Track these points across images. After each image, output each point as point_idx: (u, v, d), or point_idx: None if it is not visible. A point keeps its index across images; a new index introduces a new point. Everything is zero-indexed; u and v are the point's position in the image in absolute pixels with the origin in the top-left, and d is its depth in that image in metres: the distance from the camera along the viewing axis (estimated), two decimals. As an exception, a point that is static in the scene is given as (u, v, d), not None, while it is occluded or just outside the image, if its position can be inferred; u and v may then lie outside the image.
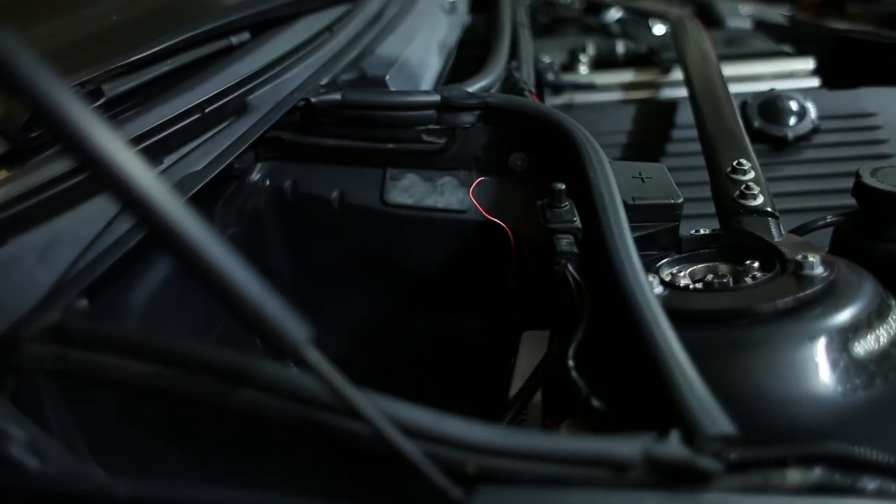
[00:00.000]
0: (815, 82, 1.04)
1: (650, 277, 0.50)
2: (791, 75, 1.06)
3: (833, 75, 1.05)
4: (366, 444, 0.32)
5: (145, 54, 0.62)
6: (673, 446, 0.33)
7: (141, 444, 0.40)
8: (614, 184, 0.55)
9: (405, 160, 0.70)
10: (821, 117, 0.86)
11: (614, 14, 1.38)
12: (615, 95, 1.08)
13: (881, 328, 0.42)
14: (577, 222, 0.56)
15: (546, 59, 1.12)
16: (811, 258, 0.45)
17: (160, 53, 0.63)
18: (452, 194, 0.68)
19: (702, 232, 0.57)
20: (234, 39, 0.75)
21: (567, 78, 1.09)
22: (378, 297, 0.76)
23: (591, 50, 1.18)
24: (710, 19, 1.31)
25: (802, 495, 0.33)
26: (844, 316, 0.42)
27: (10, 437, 0.33)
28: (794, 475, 0.33)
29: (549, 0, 1.43)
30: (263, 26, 0.80)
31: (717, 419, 0.34)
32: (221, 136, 0.63)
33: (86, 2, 0.68)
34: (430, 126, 0.69)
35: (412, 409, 0.33)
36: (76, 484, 0.32)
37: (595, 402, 0.44)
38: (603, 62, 1.19)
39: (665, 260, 0.53)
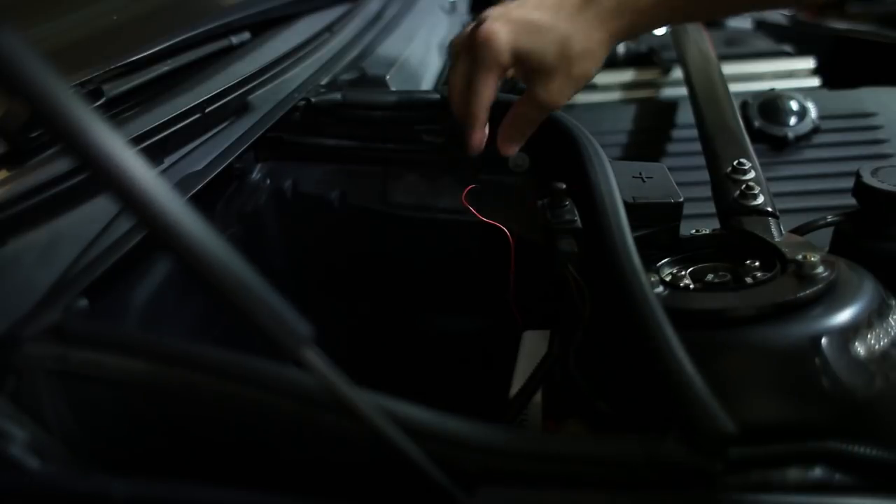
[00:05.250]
0: (815, 82, 1.04)
1: (650, 277, 0.50)
2: (791, 75, 1.06)
3: (833, 75, 1.05)
4: (366, 444, 0.32)
5: (145, 54, 0.62)
6: (673, 446, 0.33)
7: (141, 443, 0.40)
8: (614, 184, 0.55)
9: (405, 160, 0.70)
10: (821, 117, 0.86)
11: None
12: (615, 95, 1.08)
13: (881, 328, 0.42)
14: (578, 222, 0.56)
15: (546, 59, 1.11)
16: (811, 258, 0.45)
17: (160, 53, 0.63)
18: (452, 194, 0.68)
19: (702, 232, 0.57)
20: (234, 39, 0.75)
21: (567, 78, 1.09)
22: (378, 296, 0.76)
23: (591, 50, 1.18)
24: (710, 19, 1.31)
25: (803, 494, 0.33)
26: (845, 316, 0.42)
27: (10, 437, 0.33)
28: (795, 474, 0.33)
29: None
30: (263, 26, 0.80)
31: (717, 419, 0.34)
32: (221, 136, 0.63)
33: (86, 2, 0.68)
34: (431, 126, 0.69)
35: (412, 408, 0.33)
36: (76, 484, 0.32)
37: (596, 403, 0.44)
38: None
39: (665, 260, 0.53)
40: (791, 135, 0.84)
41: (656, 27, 0.55)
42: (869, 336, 0.41)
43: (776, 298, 0.43)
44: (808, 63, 1.06)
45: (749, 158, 0.63)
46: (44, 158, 0.48)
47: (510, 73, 0.59)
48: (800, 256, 0.45)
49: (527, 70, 0.56)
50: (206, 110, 0.62)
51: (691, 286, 0.49)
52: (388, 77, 0.76)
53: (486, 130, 0.60)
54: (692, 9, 0.54)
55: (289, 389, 0.34)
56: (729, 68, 0.97)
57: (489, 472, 0.32)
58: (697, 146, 0.73)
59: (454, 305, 0.74)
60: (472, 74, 0.56)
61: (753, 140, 0.70)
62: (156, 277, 0.53)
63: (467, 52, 0.57)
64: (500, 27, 0.54)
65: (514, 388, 0.52)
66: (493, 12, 0.57)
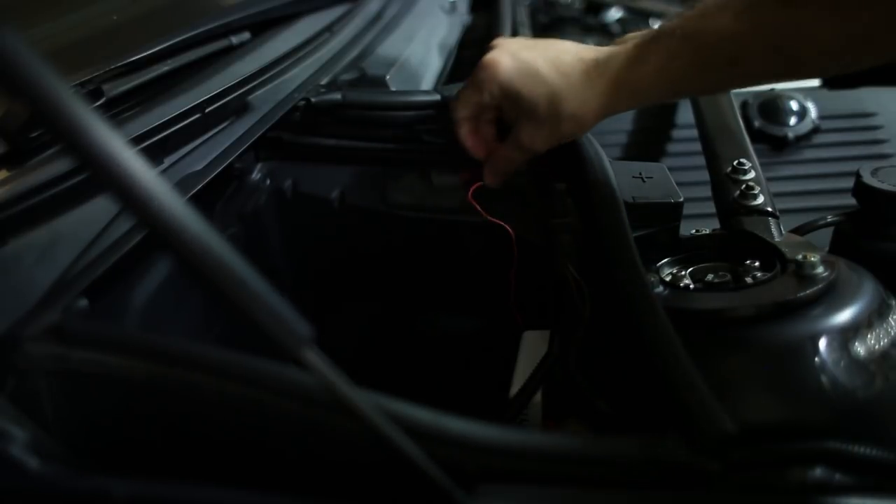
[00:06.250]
0: (815, 82, 1.04)
1: (650, 277, 0.50)
2: (791, 75, 1.06)
3: (833, 75, 1.05)
4: (366, 444, 0.32)
5: (145, 54, 0.62)
6: (673, 446, 0.33)
7: (141, 444, 0.40)
8: (614, 184, 0.55)
9: (405, 160, 0.70)
10: (821, 117, 0.86)
11: (614, 14, 1.38)
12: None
13: (881, 328, 0.42)
14: (577, 222, 0.56)
15: (546, 59, 1.11)
16: (812, 258, 0.45)
17: (160, 53, 0.63)
18: (452, 194, 0.68)
19: (702, 232, 0.57)
20: (234, 39, 0.75)
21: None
22: (378, 297, 0.76)
23: (591, 50, 1.18)
24: (710, 19, 1.31)
25: (803, 494, 0.33)
26: (845, 316, 0.42)
27: (10, 437, 0.33)
28: (795, 474, 0.33)
29: (549, 0, 1.43)
30: (263, 26, 0.80)
31: (717, 419, 0.34)
32: (221, 136, 0.63)
33: (86, 2, 0.68)
34: (431, 126, 0.69)
35: (413, 408, 0.33)
36: (76, 484, 0.32)
37: (596, 402, 0.44)
38: (603, 62, 1.18)
39: (665, 260, 0.53)
40: (791, 135, 0.84)
41: (649, 103, 0.56)
42: (869, 336, 0.41)
43: (776, 298, 0.43)
44: (808, 63, 1.06)
45: (749, 158, 0.63)
46: (44, 158, 0.48)
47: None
48: (800, 256, 0.45)
49: (515, 111, 0.57)
50: (206, 110, 0.62)
51: (691, 286, 0.49)
52: (388, 77, 0.76)
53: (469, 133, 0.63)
54: (690, 87, 0.55)
55: (289, 389, 0.34)
56: (729, 68, 0.97)
57: (489, 471, 0.32)
58: (697, 146, 0.73)
59: (454, 305, 0.74)
60: (464, 87, 0.60)
61: (753, 140, 0.70)
62: (156, 277, 0.53)
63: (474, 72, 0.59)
64: (504, 59, 0.56)
65: (514, 388, 0.52)
66: (504, 42, 0.58)
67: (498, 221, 0.63)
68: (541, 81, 0.55)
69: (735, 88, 0.51)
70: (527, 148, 0.58)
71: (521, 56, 0.56)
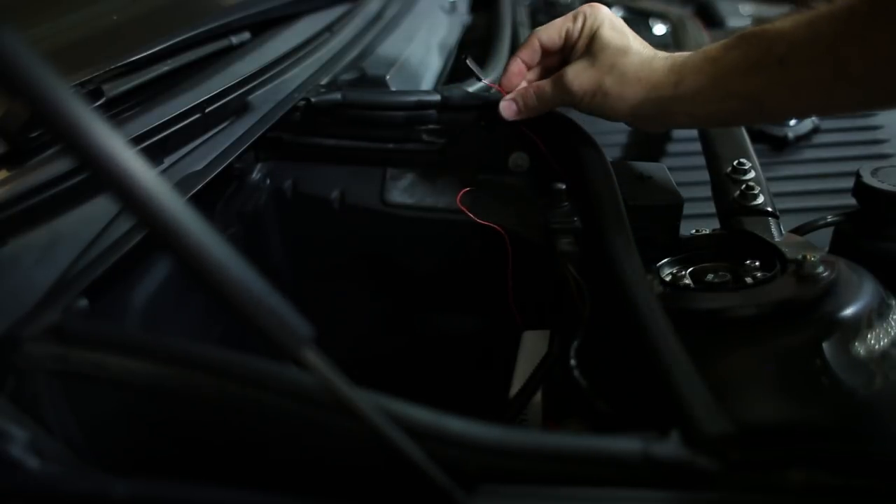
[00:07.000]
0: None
1: (650, 277, 0.50)
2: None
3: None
4: (366, 444, 0.32)
5: (145, 54, 0.61)
6: (673, 446, 0.33)
7: (141, 443, 0.40)
8: (615, 184, 0.55)
9: (405, 160, 0.70)
10: (821, 117, 0.86)
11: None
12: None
13: (881, 328, 0.42)
14: (577, 222, 0.57)
15: (546, 59, 1.11)
16: (811, 258, 0.45)
17: (160, 53, 0.63)
18: (452, 194, 0.68)
19: (702, 232, 0.57)
20: (235, 39, 0.75)
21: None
22: (378, 296, 0.76)
23: (591, 50, 1.18)
24: (710, 19, 1.31)
25: (803, 495, 0.33)
26: (845, 315, 0.42)
27: (10, 437, 0.33)
28: (795, 475, 0.33)
29: (549, 0, 1.42)
30: (263, 26, 0.80)
31: (717, 419, 0.34)
32: (221, 136, 0.63)
33: (86, 2, 0.68)
34: (431, 126, 0.69)
35: (412, 408, 0.33)
36: (76, 484, 0.32)
37: (596, 402, 0.44)
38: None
39: (665, 260, 0.53)
40: (791, 135, 0.84)
41: (689, 109, 0.56)
42: (869, 336, 0.41)
43: (776, 298, 0.43)
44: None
45: (749, 158, 0.63)
46: (44, 158, 0.48)
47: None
48: (800, 256, 0.46)
49: (583, 51, 0.59)
50: (206, 110, 0.62)
51: (691, 286, 0.49)
52: (388, 77, 0.76)
53: (522, 70, 0.63)
54: (733, 85, 0.54)
55: (289, 389, 0.34)
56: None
57: (489, 471, 0.32)
58: (697, 146, 0.73)
59: (454, 305, 0.74)
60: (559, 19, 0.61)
61: (753, 140, 0.70)
62: (156, 277, 0.53)
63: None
64: (606, 9, 0.60)
65: (514, 388, 0.52)
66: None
67: (490, 224, 0.63)
68: (623, 36, 0.58)
69: (777, 99, 0.52)
70: (565, 83, 0.59)
71: (621, 22, 0.60)
